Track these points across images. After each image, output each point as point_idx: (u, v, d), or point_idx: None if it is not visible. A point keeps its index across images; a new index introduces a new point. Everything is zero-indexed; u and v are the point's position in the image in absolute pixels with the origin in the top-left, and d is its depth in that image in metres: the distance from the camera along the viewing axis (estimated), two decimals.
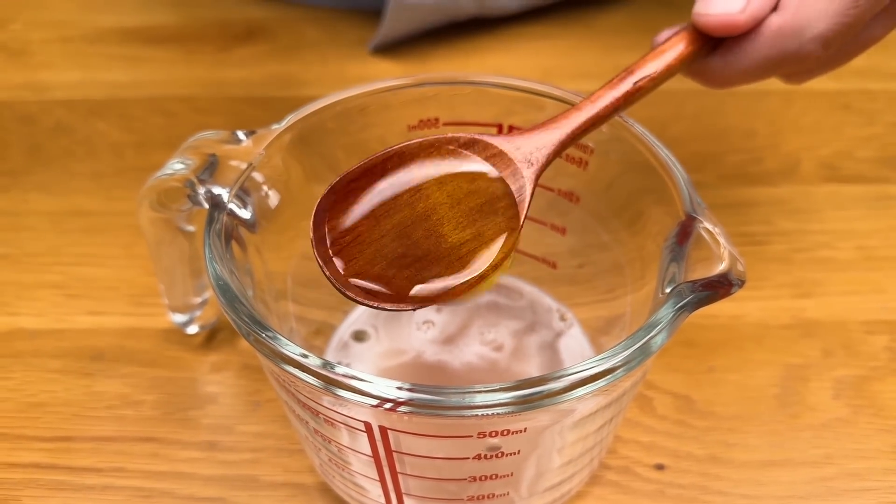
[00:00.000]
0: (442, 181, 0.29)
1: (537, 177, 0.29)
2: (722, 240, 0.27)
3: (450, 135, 0.30)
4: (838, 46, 0.31)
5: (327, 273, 0.28)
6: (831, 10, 0.29)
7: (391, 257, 0.28)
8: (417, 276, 0.28)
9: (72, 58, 0.60)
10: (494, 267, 0.29)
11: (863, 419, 0.37)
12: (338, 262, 0.28)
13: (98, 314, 0.42)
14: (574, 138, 0.30)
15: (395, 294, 0.28)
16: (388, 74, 0.35)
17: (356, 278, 0.28)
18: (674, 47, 0.31)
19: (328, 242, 0.28)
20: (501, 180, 0.29)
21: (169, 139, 0.51)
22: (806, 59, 0.31)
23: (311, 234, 0.28)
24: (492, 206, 0.29)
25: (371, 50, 0.59)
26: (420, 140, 0.29)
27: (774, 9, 0.30)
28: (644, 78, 0.30)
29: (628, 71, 0.30)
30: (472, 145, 0.29)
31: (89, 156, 0.51)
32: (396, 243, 0.28)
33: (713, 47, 0.32)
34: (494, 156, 0.29)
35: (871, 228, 0.46)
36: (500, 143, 0.29)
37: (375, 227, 0.28)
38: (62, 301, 0.42)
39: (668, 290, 0.27)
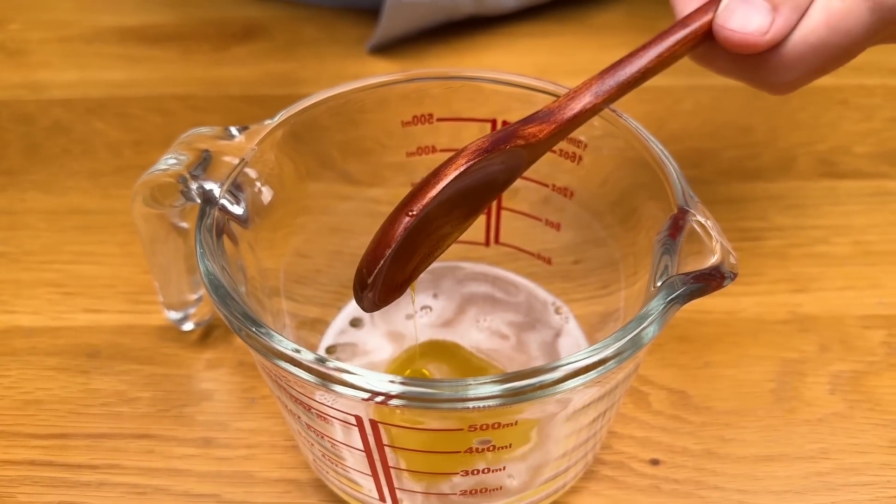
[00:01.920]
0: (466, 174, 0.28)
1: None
2: (714, 233, 0.27)
3: (507, 146, 0.28)
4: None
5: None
6: (817, 63, 0.30)
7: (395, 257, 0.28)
8: (398, 261, 0.28)
9: (70, 57, 0.60)
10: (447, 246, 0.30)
11: (859, 414, 0.37)
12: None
13: (94, 312, 0.42)
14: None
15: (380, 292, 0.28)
16: (385, 72, 0.35)
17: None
18: (675, 36, 0.30)
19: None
20: (500, 174, 0.29)
21: (166, 138, 0.50)
22: (776, 90, 0.32)
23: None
24: (475, 188, 0.29)
25: (369, 50, 0.59)
26: (485, 152, 0.28)
27: None
28: (645, 67, 0.30)
29: (630, 57, 0.30)
30: (510, 153, 0.29)
31: (87, 155, 0.51)
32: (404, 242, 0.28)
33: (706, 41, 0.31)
34: (512, 157, 0.29)
35: (867, 223, 0.46)
36: (524, 150, 0.29)
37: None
38: (59, 299, 0.42)
39: (659, 283, 0.27)
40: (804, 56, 0.30)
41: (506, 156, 0.28)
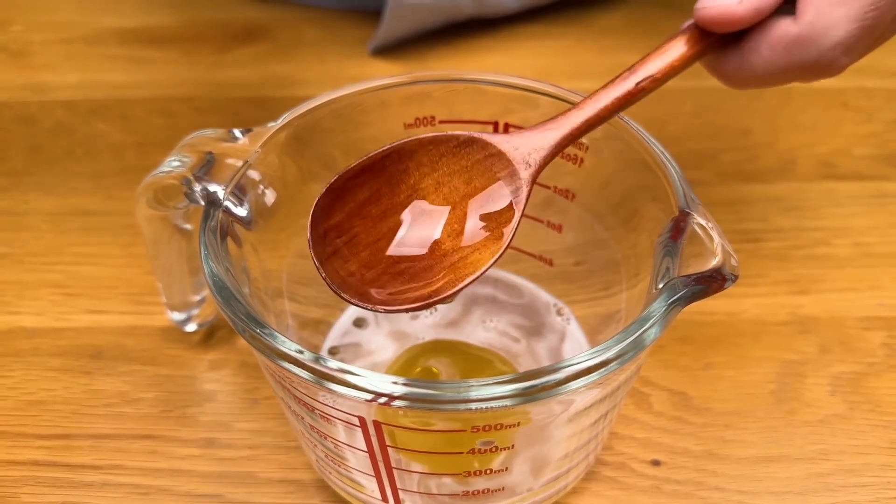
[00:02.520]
0: (439, 182, 0.29)
1: (534, 178, 0.29)
2: (715, 235, 0.28)
3: (448, 132, 0.29)
4: (861, 52, 0.30)
5: (323, 274, 0.28)
6: (850, 15, 0.28)
7: (387, 262, 0.28)
8: (411, 281, 0.28)
9: (72, 59, 0.60)
10: (484, 270, 0.29)
11: (859, 415, 0.37)
12: (334, 262, 0.28)
13: (97, 313, 0.42)
14: (573, 138, 0.30)
15: (389, 298, 0.28)
16: (386, 73, 0.35)
17: (351, 279, 0.28)
18: (677, 45, 0.30)
19: (324, 242, 0.28)
20: (499, 182, 0.29)
21: (169, 139, 0.50)
22: (826, 69, 0.30)
23: (309, 234, 0.27)
24: (487, 208, 0.29)
25: (370, 51, 0.59)
26: (419, 137, 0.29)
27: (791, 12, 0.29)
28: (646, 78, 0.29)
29: (631, 70, 0.30)
30: (470, 144, 0.29)
31: (89, 156, 0.52)
32: (392, 247, 0.28)
33: (720, 46, 0.31)
34: (493, 156, 0.29)
35: (868, 225, 0.46)
36: (499, 142, 0.29)
37: (372, 228, 0.28)
38: (62, 300, 0.43)
39: (661, 285, 0.27)
40: (832, 11, 0.28)
41: (479, 153, 0.29)
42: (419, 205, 0.28)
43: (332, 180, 0.28)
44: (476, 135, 0.29)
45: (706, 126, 0.53)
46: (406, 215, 0.28)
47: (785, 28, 0.29)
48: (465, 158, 0.29)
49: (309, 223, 0.28)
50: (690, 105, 0.54)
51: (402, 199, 0.28)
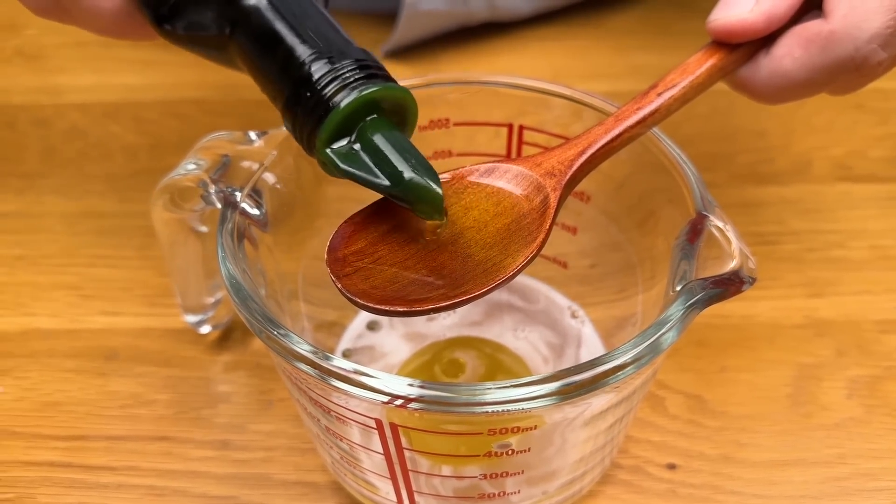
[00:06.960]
0: (468, 207, 0.29)
1: (564, 186, 0.29)
2: (733, 237, 0.27)
3: (468, 167, 0.29)
4: None
5: (339, 286, 0.27)
6: (885, 5, 0.27)
7: (413, 278, 0.27)
8: (438, 289, 0.28)
9: (86, 62, 0.60)
10: (515, 273, 0.28)
11: (876, 419, 0.37)
12: (353, 278, 0.27)
13: (112, 314, 0.42)
14: (600, 155, 0.30)
15: (411, 303, 0.28)
16: (400, 76, 0.35)
17: (373, 291, 0.27)
18: (702, 61, 0.30)
19: (344, 263, 0.27)
20: (526, 198, 0.29)
21: (182, 141, 0.51)
22: (864, 65, 0.29)
23: (326, 257, 0.27)
24: (518, 223, 0.29)
25: (384, 54, 0.59)
26: (439, 175, 0.29)
27: (820, 15, 0.29)
28: (670, 97, 0.29)
29: (654, 87, 0.29)
30: (491, 172, 0.29)
31: (103, 158, 0.52)
32: (421, 265, 0.27)
33: (746, 59, 0.30)
34: (517, 176, 0.29)
35: (884, 228, 0.46)
36: (519, 164, 0.29)
37: (399, 251, 0.28)
38: (77, 302, 0.43)
39: (678, 288, 0.27)
40: (865, 3, 0.27)
41: (502, 176, 0.29)
42: (449, 229, 0.28)
43: (355, 213, 0.28)
44: (495, 163, 0.29)
45: (721, 128, 0.53)
46: (436, 240, 0.28)
47: (817, 27, 0.28)
48: (490, 186, 0.29)
49: (327, 248, 0.27)
50: (704, 107, 0.54)
51: (432, 224, 0.28)
